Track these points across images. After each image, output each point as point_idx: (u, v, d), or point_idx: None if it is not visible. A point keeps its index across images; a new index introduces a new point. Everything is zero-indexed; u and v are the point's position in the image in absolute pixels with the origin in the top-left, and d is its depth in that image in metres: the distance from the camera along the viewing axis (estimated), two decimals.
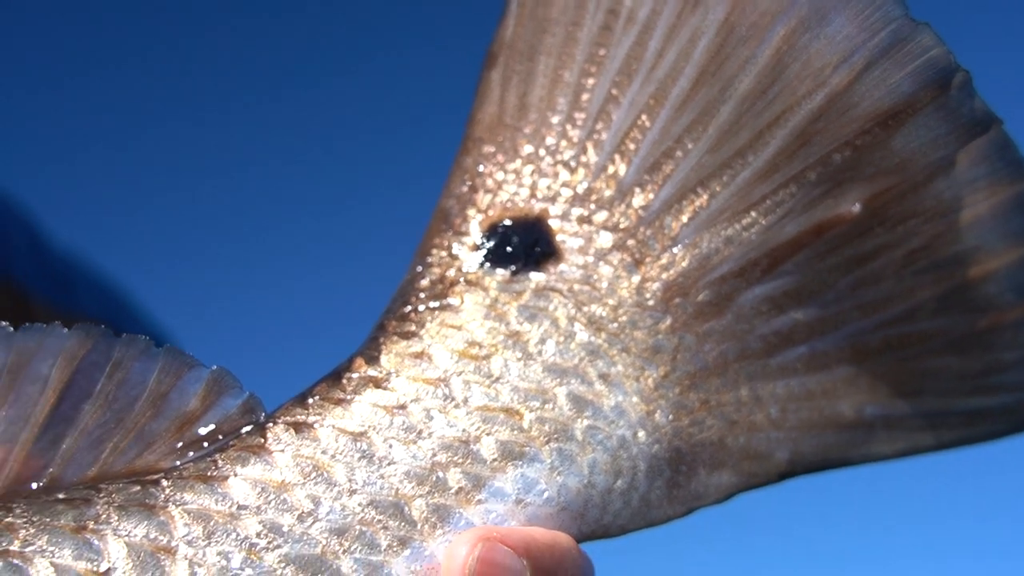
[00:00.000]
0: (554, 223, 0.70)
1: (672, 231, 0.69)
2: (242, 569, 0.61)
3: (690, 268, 0.69)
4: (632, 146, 0.69)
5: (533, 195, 0.70)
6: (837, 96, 0.67)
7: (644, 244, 0.69)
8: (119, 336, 0.66)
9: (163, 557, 0.61)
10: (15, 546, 0.60)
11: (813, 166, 0.68)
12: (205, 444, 0.66)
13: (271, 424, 0.66)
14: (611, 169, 0.70)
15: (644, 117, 0.69)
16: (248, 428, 0.66)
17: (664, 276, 0.69)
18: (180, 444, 0.66)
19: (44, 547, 0.60)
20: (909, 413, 0.71)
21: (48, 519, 0.62)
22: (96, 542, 0.61)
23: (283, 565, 0.62)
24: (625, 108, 0.69)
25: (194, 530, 0.62)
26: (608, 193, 0.70)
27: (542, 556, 0.63)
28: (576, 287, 0.69)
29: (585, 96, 0.70)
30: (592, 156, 0.70)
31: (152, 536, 0.61)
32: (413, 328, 0.68)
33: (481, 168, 0.71)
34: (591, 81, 0.70)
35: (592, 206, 0.70)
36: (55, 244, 1.35)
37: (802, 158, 0.68)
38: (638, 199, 0.69)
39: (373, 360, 0.68)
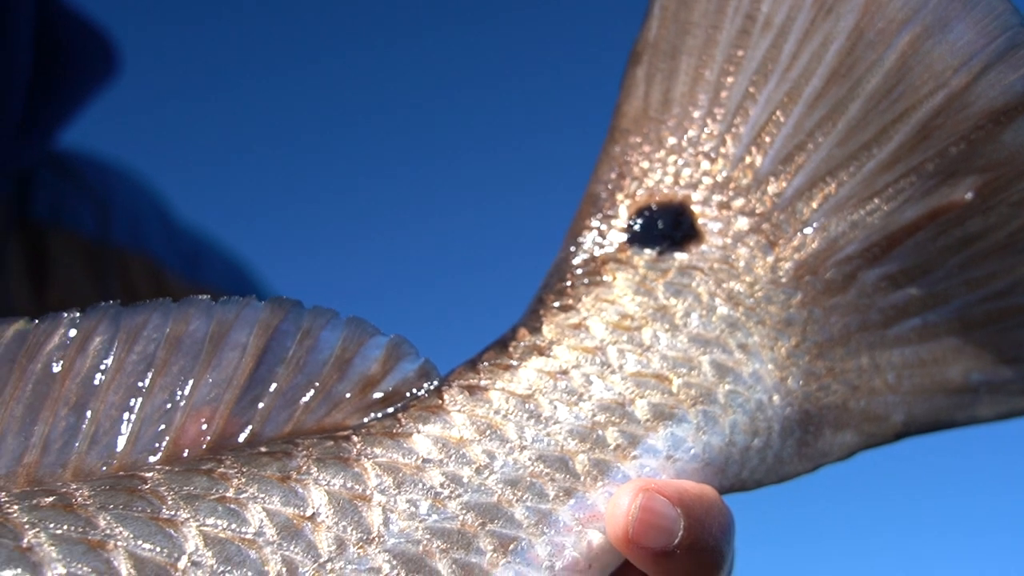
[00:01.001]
0: (696, 208, 0.77)
1: (803, 216, 0.76)
2: (429, 515, 0.68)
3: (819, 249, 0.76)
4: (767, 139, 0.76)
5: (676, 182, 0.77)
6: (956, 96, 0.74)
7: (778, 227, 0.76)
8: (308, 307, 0.73)
9: (360, 504, 0.68)
10: (231, 493, 0.67)
11: (931, 158, 0.75)
12: (386, 405, 0.73)
13: (446, 387, 0.73)
14: (748, 160, 0.77)
15: (779, 113, 0.76)
16: (425, 390, 0.73)
17: (796, 256, 0.76)
18: (364, 404, 0.73)
19: (256, 494, 0.67)
20: (1010, 378, 0.78)
21: (256, 470, 0.68)
22: (300, 490, 0.68)
23: (464, 512, 0.69)
24: (761, 104, 0.76)
25: (385, 480, 0.69)
26: (745, 181, 0.77)
27: (693, 505, 0.69)
28: (716, 266, 0.76)
29: (724, 93, 0.77)
30: (731, 148, 0.77)
31: (349, 485, 0.68)
32: (570, 302, 0.75)
33: (628, 157, 0.78)
34: (730, 79, 0.77)
35: (731, 193, 0.77)
36: (181, 222, 1.41)
37: (922, 151, 0.75)
38: (773, 187, 0.77)
39: (535, 330, 0.75)
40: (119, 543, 0.63)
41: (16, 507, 0.64)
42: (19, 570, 0.60)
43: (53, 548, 0.62)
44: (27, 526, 0.62)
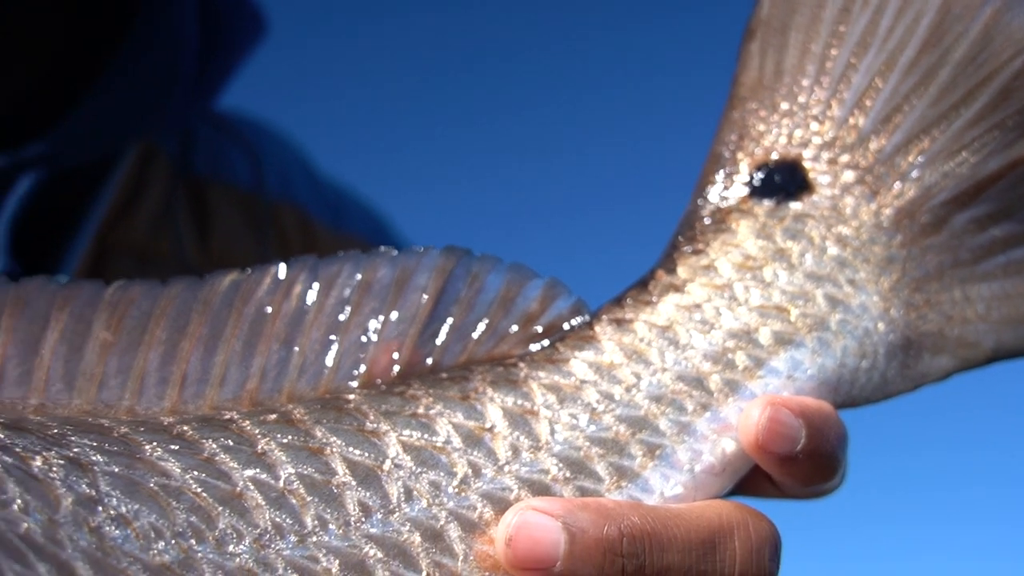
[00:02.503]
0: (807, 164, 0.88)
1: (901, 168, 0.87)
2: (587, 426, 0.79)
3: (915, 197, 0.87)
4: (868, 103, 0.87)
5: (790, 142, 0.88)
6: None
7: (879, 179, 0.87)
8: (476, 254, 0.84)
9: (529, 418, 0.79)
10: (421, 410, 0.79)
11: (1012, 115, 0.85)
12: (545, 336, 0.85)
13: (597, 320, 0.84)
14: (852, 121, 0.87)
15: (878, 80, 0.87)
16: (578, 324, 0.85)
17: (895, 203, 0.87)
18: (526, 337, 0.85)
19: (442, 410, 0.79)
20: None
21: (440, 391, 0.80)
22: (479, 407, 0.79)
23: (617, 423, 0.80)
24: (862, 73, 0.87)
25: (549, 398, 0.80)
26: (850, 140, 0.87)
27: (813, 417, 0.80)
28: (826, 213, 0.87)
29: (829, 64, 0.88)
30: (836, 111, 0.88)
31: (519, 403, 0.80)
32: (700, 246, 0.86)
33: (747, 121, 0.89)
34: (834, 51, 0.88)
35: (838, 150, 0.88)
36: (322, 174, 1.47)
37: (1003, 109, 0.85)
38: (874, 144, 0.87)
39: (671, 271, 0.85)
40: (334, 449, 0.75)
41: (247, 422, 0.75)
42: (257, 470, 0.72)
43: (282, 453, 0.73)
44: (259, 436, 0.74)
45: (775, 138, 0.88)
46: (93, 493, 0.65)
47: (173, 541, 0.66)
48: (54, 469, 0.65)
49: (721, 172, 0.88)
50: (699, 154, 0.90)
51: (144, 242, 1.24)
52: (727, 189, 0.88)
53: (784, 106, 0.89)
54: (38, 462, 0.65)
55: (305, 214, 1.38)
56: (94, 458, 0.67)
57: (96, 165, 1.23)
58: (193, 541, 0.66)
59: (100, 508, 0.65)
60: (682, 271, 0.85)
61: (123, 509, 0.65)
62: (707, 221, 0.87)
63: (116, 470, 0.67)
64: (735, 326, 0.83)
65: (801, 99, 0.88)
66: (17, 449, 0.65)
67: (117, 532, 0.64)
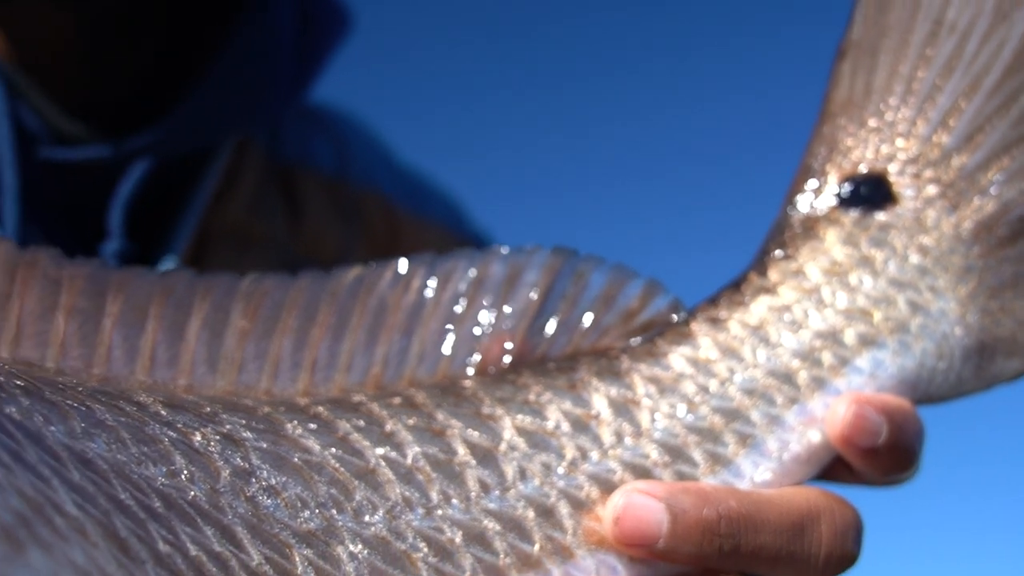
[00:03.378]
0: (893, 177, 0.93)
1: (981, 184, 0.92)
2: (684, 416, 0.85)
3: (994, 211, 0.92)
4: (952, 122, 0.92)
5: (877, 156, 0.93)
6: None
7: (960, 194, 0.92)
8: (581, 254, 0.90)
9: (631, 407, 0.85)
10: (532, 397, 0.85)
11: None
12: (645, 332, 0.90)
13: (693, 318, 0.90)
14: (936, 139, 0.93)
15: (961, 101, 0.92)
16: (676, 321, 0.90)
17: (975, 217, 0.92)
18: (626, 332, 0.90)
19: (551, 398, 0.85)
20: None
21: (549, 380, 0.86)
22: (585, 395, 0.85)
23: (712, 413, 0.86)
24: (947, 94, 0.92)
25: (650, 388, 0.86)
26: (934, 156, 0.93)
27: (894, 414, 0.85)
28: (909, 224, 0.92)
29: (916, 85, 0.93)
30: (922, 129, 0.93)
31: (622, 392, 0.86)
32: (790, 252, 0.92)
33: (836, 136, 0.94)
34: (921, 73, 0.93)
35: (922, 165, 0.93)
36: (400, 161, 1.51)
37: None
38: (956, 161, 0.92)
39: (762, 274, 0.91)
40: (454, 431, 0.81)
41: (375, 405, 0.82)
42: (388, 448, 0.78)
43: (408, 433, 0.80)
44: (386, 417, 0.80)
45: (863, 152, 0.94)
46: (246, 466, 0.72)
47: (317, 511, 0.72)
48: (212, 444, 0.72)
49: (811, 183, 0.94)
50: (780, 167, 0.95)
51: (241, 226, 1.29)
52: (816, 199, 0.93)
53: (872, 123, 0.94)
54: (198, 437, 0.71)
55: (387, 200, 1.42)
56: (244, 435, 0.74)
57: (199, 153, 1.29)
58: (334, 511, 0.73)
59: (253, 480, 0.71)
60: (773, 274, 0.91)
61: (272, 481, 0.72)
62: (797, 229, 0.93)
63: (264, 446, 0.74)
64: (822, 327, 0.89)
65: (888, 117, 0.94)
66: (179, 425, 0.72)
67: (269, 501, 0.71)
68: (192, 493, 0.67)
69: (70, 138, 1.22)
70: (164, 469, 0.67)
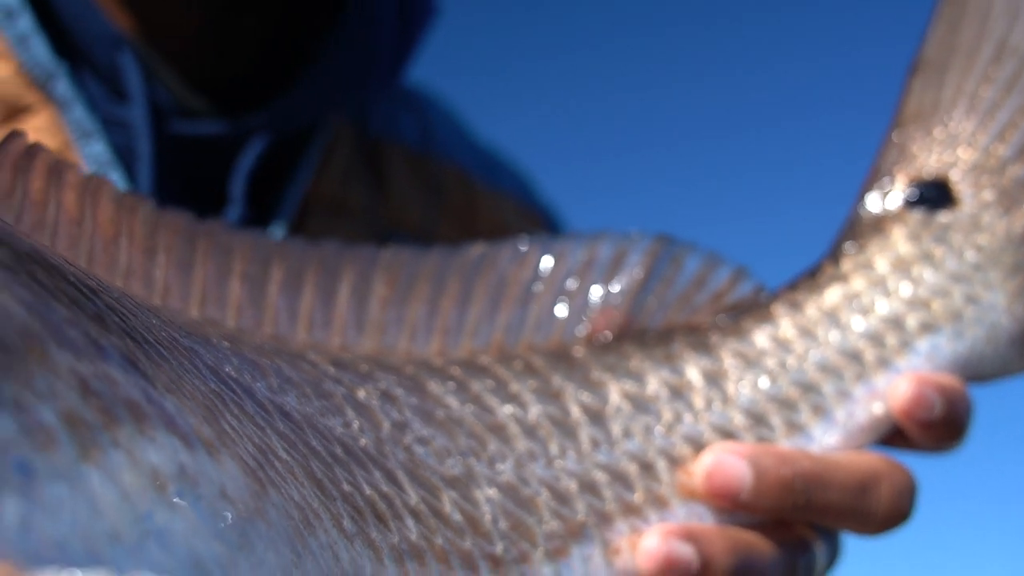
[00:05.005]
0: (954, 182, 1.03)
1: None
2: (766, 387, 0.95)
3: None
4: (1009, 136, 1.02)
5: (940, 163, 1.03)
6: None
7: (1014, 199, 1.02)
8: (679, 241, 1.01)
9: (719, 377, 0.96)
10: (634, 366, 0.95)
11: None
12: (732, 311, 1.01)
13: (774, 301, 1.00)
14: (994, 150, 1.02)
15: (1018, 117, 1.02)
16: (759, 303, 1.01)
17: None
18: (715, 311, 1.01)
19: (650, 367, 0.95)
20: None
21: (648, 351, 0.96)
22: (680, 366, 0.96)
23: (789, 384, 0.96)
24: (1006, 110, 1.02)
25: (736, 362, 0.96)
26: (991, 165, 1.03)
27: (948, 392, 0.95)
28: (967, 224, 1.02)
29: (979, 101, 1.03)
30: (982, 140, 1.03)
31: (712, 364, 0.96)
32: (861, 246, 1.02)
33: (905, 143, 1.04)
34: (984, 91, 1.03)
35: (981, 173, 1.03)
36: (475, 136, 1.55)
37: None
38: (1011, 171, 1.02)
39: (836, 265, 1.01)
40: (568, 393, 0.92)
41: (500, 368, 0.92)
42: (514, 406, 0.89)
43: (531, 395, 0.90)
44: (511, 379, 0.91)
45: (928, 159, 1.03)
46: (401, 419, 0.83)
47: (459, 459, 0.83)
48: (373, 399, 0.83)
49: (881, 185, 1.04)
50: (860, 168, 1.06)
51: (337, 197, 1.35)
52: (886, 200, 1.03)
53: (938, 133, 1.04)
54: (362, 393, 0.82)
55: (466, 174, 1.47)
56: (396, 391, 0.85)
57: (304, 129, 1.37)
58: (472, 460, 0.84)
59: (407, 431, 0.82)
60: (845, 265, 1.01)
61: (423, 432, 0.83)
62: (867, 225, 1.03)
63: (414, 401, 0.85)
64: (887, 313, 0.99)
65: (952, 128, 1.04)
66: (346, 382, 0.83)
67: (421, 450, 0.82)
68: (362, 441, 0.78)
69: (193, 113, 1.29)
70: (340, 420, 0.78)
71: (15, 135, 0.82)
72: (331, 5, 1.35)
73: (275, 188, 1.32)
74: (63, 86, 1.21)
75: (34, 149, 0.82)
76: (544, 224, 1.51)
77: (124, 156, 1.23)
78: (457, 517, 0.79)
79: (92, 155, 1.21)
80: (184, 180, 1.28)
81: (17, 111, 1.22)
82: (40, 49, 1.21)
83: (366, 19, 1.34)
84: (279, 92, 1.31)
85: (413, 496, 0.77)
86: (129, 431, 0.50)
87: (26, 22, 1.21)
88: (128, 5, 1.27)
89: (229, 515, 0.54)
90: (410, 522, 0.75)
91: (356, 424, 0.79)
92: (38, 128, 1.21)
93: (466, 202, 1.47)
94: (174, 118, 1.27)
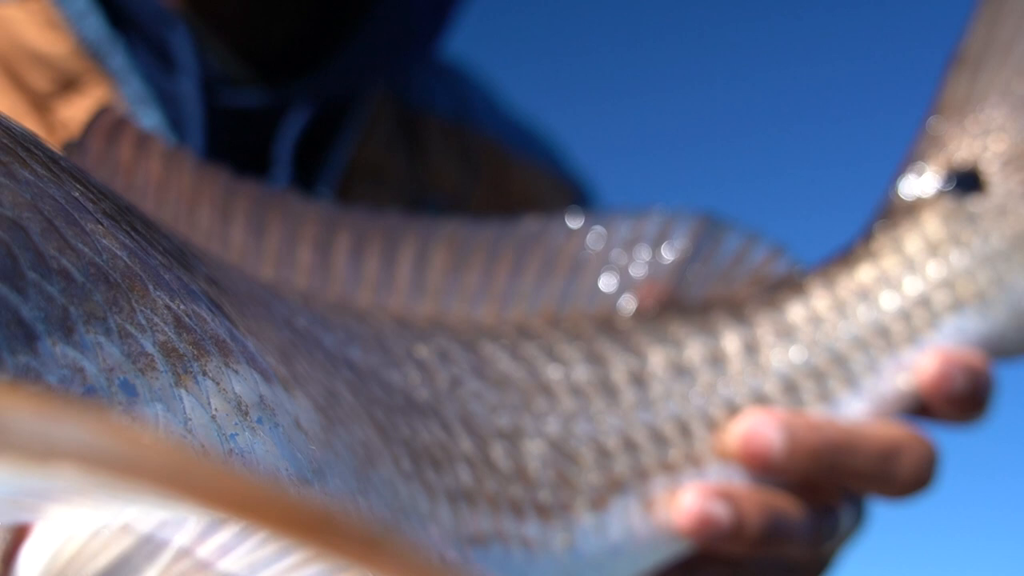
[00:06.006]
0: (984, 170, 1.07)
1: None
2: (798, 357, 1.00)
3: None
4: None
5: (971, 152, 1.07)
6: None
7: None
8: (720, 219, 1.05)
9: (755, 348, 1.00)
10: (674, 334, 1.00)
11: None
12: (768, 286, 1.05)
13: (809, 278, 1.04)
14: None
15: None
16: (794, 278, 1.05)
17: None
18: (753, 285, 1.05)
19: (689, 334, 0.99)
20: None
21: (689, 321, 1.01)
22: (718, 335, 1.00)
23: (820, 355, 1.00)
24: None
25: (771, 333, 1.01)
26: (1020, 154, 1.07)
27: (972, 367, 0.99)
28: (995, 210, 1.05)
29: (1010, 95, 1.07)
30: (1013, 131, 1.07)
31: (748, 334, 1.00)
32: (893, 227, 1.06)
33: (940, 132, 1.08)
34: (1015, 84, 1.06)
35: (1010, 162, 1.07)
36: (507, 109, 1.56)
37: None
38: None
39: (868, 244, 1.05)
40: (612, 356, 0.96)
41: (549, 333, 0.97)
42: (559, 368, 0.94)
43: (577, 358, 0.95)
44: (559, 342, 0.96)
45: (961, 147, 1.07)
46: (457, 374, 0.88)
47: (509, 413, 0.88)
48: (431, 356, 0.88)
49: (915, 170, 1.08)
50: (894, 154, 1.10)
51: (377, 164, 1.37)
52: (919, 184, 1.07)
53: (971, 123, 1.08)
54: (421, 350, 0.87)
55: (499, 145, 1.48)
56: (452, 350, 0.90)
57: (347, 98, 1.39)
58: (521, 415, 0.89)
59: (462, 386, 0.87)
60: (877, 245, 1.05)
61: (475, 388, 0.88)
62: (900, 208, 1.07)
63: (468, 360, 0.90)
64: (916, 291, 1.03)
65: (984, 119, 1.07)
66: (406, 339, 0.88)
67: (474, 404, 0.87)
68: (420, 393, 0.83)
69: (238, 82, 1.31)
70: (400, 373, 0.83)
71: (106, 110, 0.88)
72: None
73: (316, 155, 1.34)
74: (119, 60, 1.24)
75: (123, 122, 0.87)
76: (574, 193, 1.53)
77: (173, 126, 1.26)
78: (506, 465, 0.84)
79: (148, 126, 1.23)
80: (229, 148, 1.29)
81: (75, 84, 1.25)
82: (97, 25, 1.24)
83: None
84: (321, 63, 1.33)
85: (466, 444, 0.82)
86: (216, 363, 0.55)
87: (84, 2, 1.25)
88: None
89: (302, 442, 0.59)
90: (463, 467, 0.80)
91: (415, 377, 0.84)
92: (96, 99, 1.24)
93: (499, 172, 1.48)
94: (221, 89, 1.29)
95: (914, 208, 1.06)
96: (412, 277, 0.98)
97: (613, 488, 0.89)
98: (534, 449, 0.87)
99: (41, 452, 0.36)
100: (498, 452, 0.84)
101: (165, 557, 0.40)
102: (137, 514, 0.41)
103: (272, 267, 0.92)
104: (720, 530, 0.91)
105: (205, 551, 0.41)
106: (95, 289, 0.50)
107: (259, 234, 0.94)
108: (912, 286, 1.03)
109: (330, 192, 1.32)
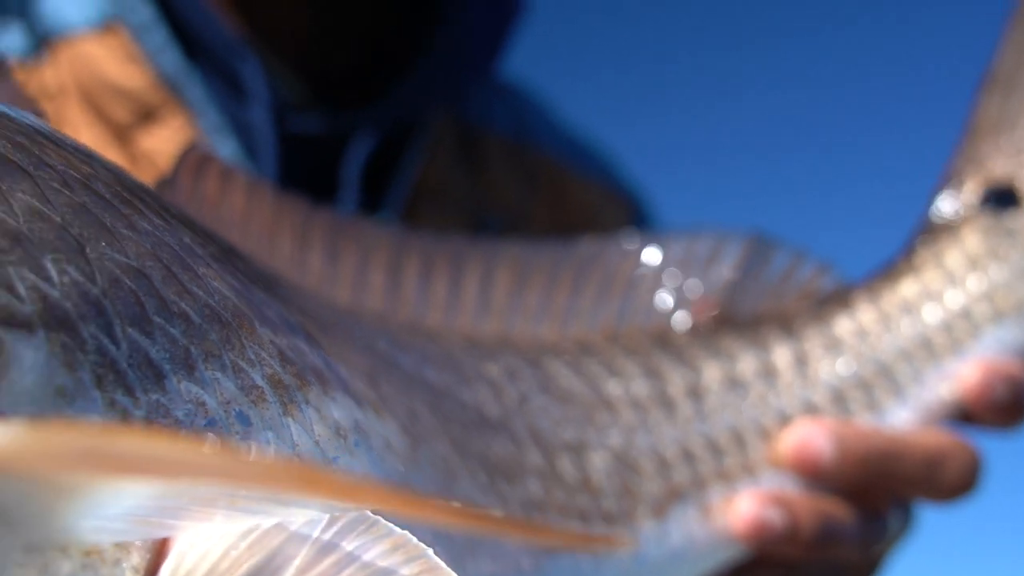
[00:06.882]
0: (1020, 188, 1.10)
1: None
2: (845, 369, 1.03)
3: None
4: None
5: (1007, 169, 1.10)
6: None
7: None
8: (769, 238, 1.09)
9: (804, 360, 1.03)
10: (727, 348, 1.03)
11: None
12: (815, 301, 1.09)
13: (854, 292, 1.08)
14: None
15: None
16: (840, 293, 1.09)
17: None
18: (801, 300, 1.09)
19: (741, 348, 1.03)
20: None
21: (741, 336, 1.05)
22: (769, 349, 1.04)
23: (867, 367, 1.04)
24: None
25: (819, 345, 1.04)
26: None
27: (1010, 373, 1.02)
28: None
29: None
30: None
31: (798, 347, 1.04)
32: (933, 243, 1.09)
33: (975, 151, 1.11)
34: None
35: None
36: (564, 125, 1.58)
37: None
38: None
39: (910, 260, 1.08)
40: (668, 370, 1.00)
41: (608, 349, 1.01)
42: (620, 382, 0.98)
43: (636, 372, 0.99)
44: (617, 358, 1.00)
45: (997, 165, 1.10)
46: (523, 391, 0.92)
47: (573, 427, 0.92)
48: (499, 374, 0.92)
49: (953, 188, 1.11)
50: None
51: (440, 185, 1.40)
52: (957, 201, 1.11)
53: (1005, 142, 1.11)
54: (489, 368, 0.91)
55: (557, 161, 1.51)
56: (519, 368, 0.94)
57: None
58: (584, 428, 0.93)
59: (529, 402, 0.91)
60: (918, 261, 1.08)
61: (541, 403, 0.92)
62: (939, 224, 1.10)
63: (533, 376, 0.94)
64: (957, 304, 1.06)
65: (1018, 138, 1.10)
66: (475, 358, 0.92)
67: (540, 418, 0.91)
68: (490, 410, 0.87)
69: (303, 108, 1.35)
70: (471, 391, 0.87)
71: (192, 147, 0.92)
72: (429, 6, 1.40)
73: (381, 177, 1.37)
74: (196, 91, 1.28)
75: (208, 157, 0.92)
76: (629, 207, 1.55)
77: (247, 153, 1.30)
78: (573, 477, 0.88)
79: (225, 155, 1.27)
80: (298, 173, 1.33)
81: (154, 115, 1.29)
82: (174, 58, 1.28)
83: (463, 20, 1.38)
84: (384, 88, 1.37)
85: (535, 458, 0.86)
86: (317, 391, 0.59)
87: (161, 35, 1.29)
88: (242, 9, 1.33)
89: (394, 461, 0.63)
90: (533, 480, 0.84)
91: (485, 394, 0.88)
92: (175, 129, 1.28)
93: (557, 188, 1.50)
94: (288, 115, 1.33)
95: (953, 224, 1.10)
96: (477, 297, 1.02)
97: (673, 496, 0.93)
98: (598, 461, 0.91)
99: (176, 472, 0.41)
100: (565, 464, 0.88)
101: (291, 570, 0.45)
102: (264, 526, 0.45)
103: (347, 291, 0.97)
104: (775, 535, 0.94)
105: (325, 564, 0.45)
106: (210, 329, 0.54)
107: (334, 260, 0.98)
108: (953, 299, 1.06)
109: (396, 213, 1.35)
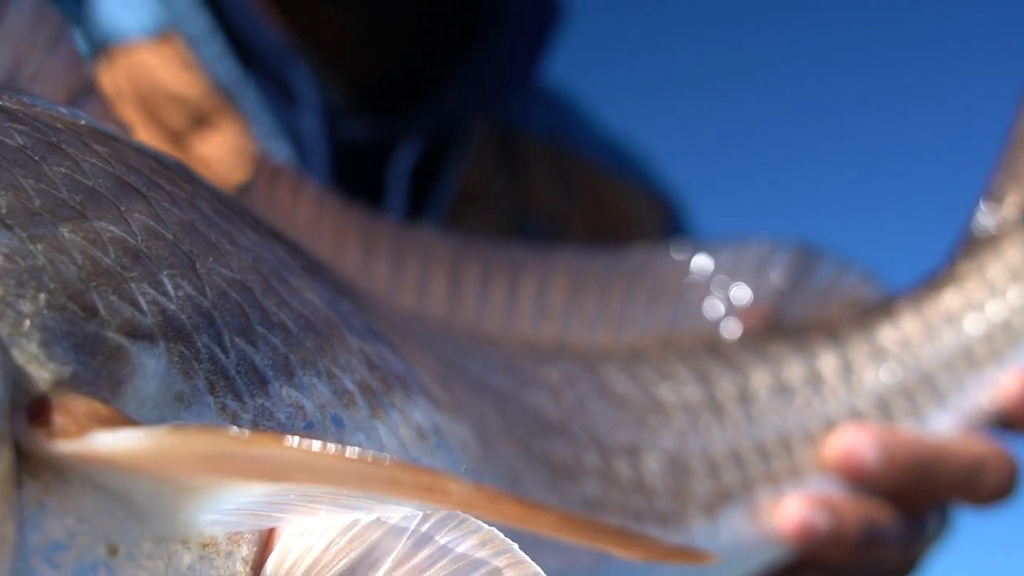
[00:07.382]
0: None
1: None
2: (889, 377, 1.06)
3: None
4: None
5: None
6: None
7: None
8: (815, 248, 1.12)
9: (849, 367, 1.06)
10: (775, 356, 1.06)
11: None
12: (858, 311, 1.11)
13: (899, 303, 1.10)
14: None
15: None
16: (884, 303, 1.11)
17: None
18: (846, 309, 1.12)
19: (787, 354, 1.06)
20: None
21: (788, 343, 1.07)
22: (815, 356, 1.07)
23: (911, 376, 1.06)
24: None
25: (864, 354, 1.07)
26: None
27: None
28: None
29: None
30: None
31: (841, 355, 1.07)
32: (974, 254, 1.12)
33: (1016, 167, 1.14)
34: None
35: None
36: (603, 127, 1.59)
37: None
38: None
39: (952, 271, 1.11)
40: (718, 376, 1.03)
41: (660, 355, 1.04)
42: (671, 387, 1.01)
43: (687, 376, 1.02)
44: (669, 363, 1.03)
45: None
46: (581, 395, 0.95)
47: (627, 429, 0.95)
48: (557, 378, 0.95)
49: (994, 202, 1.14)
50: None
51: (482, 189, 1.41)
52: (998, 215, 1.13)
53: None
54: (552, 374, 0.95)
55: (593, 165, 1.51)
56: (575, 371, 0.97)
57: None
58: (638, 430, 0.96)
59: (587, 405, 0.94)
60: (961, 272, 1.11)
61: (598, 406, 0.95)
62: (981, 237, 1.13)
63: (590, 381, 0.97)
64: (997, 314, 1.09)
65: None
66: (533, 363, 0.95)
67: (597, 421, 0.94)
68: (551, 413, 0.90)
69: (351, 116, 1.36)
70: (531, 395, 0.90)
71: (265, 161, 0.96)
72: (471, 15, 1.41)
73: (425, 182, 1.38)
74: (250, 98, 1.30)
75: (281, 169, 0.96)
76: (666, 211, 1.56)
77: (299, 158, 1.31)
78: (628, 477, 0.91)
79: (279, 160, 1.28)
80: (346, 177, 1.33)
81: (209, 121, 1.31)
82: (230, 67, 1.30)
83: (505, 27, 1.39)
84: (428, 94, 1.38)
85: (593, 459, 0.90)
86: (401, 396, 0.62)
87: (217, 44, 1.31)
88: (291, 17, 1.34)
89: (468, 463, 0.66)
90: (591, 480, 0.87)
91: (545, 398, 0.92)
92: (230, 135, 1.30)
93: (595, 191, 1.51)
94: (337, 122, 1.34)
95: (995, 237, 1.12)
96: (534, 304, 1.05)
97: (722, 497, 0.96)
98: (652, 462, 0.94)
99: (299, 476, 0.44)
100: (621, 466, 0.91)
101: (388, 563, 0.48)
102: (364, 521, 0.48)
103: (410, 297, 1.00)
104: (821, 537, 0.97)
105: (420, 557, 0.48)
106: (306, 337, 0.58)
107: (398, 267, 1.02)
108: (994, 310, 1.09)
109: (440, 218, 1.37)
